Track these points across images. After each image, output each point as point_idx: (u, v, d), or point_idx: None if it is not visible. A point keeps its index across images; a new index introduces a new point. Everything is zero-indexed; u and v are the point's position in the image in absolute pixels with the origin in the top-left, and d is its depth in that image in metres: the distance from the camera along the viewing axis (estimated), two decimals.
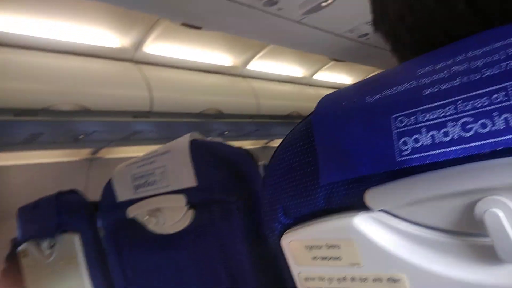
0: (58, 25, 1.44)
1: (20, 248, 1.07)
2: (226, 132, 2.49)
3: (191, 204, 0.62)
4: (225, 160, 0.57)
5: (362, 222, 0.33)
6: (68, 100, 1.61)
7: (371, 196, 0.32)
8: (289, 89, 2.47)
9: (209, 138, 0.64)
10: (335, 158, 0.31)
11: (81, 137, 2.05)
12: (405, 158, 0.27)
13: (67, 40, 1.51)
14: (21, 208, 1.03)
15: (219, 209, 0.58)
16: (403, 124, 0.27)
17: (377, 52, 1.62)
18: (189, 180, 0.60)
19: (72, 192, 0.92)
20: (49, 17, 1.40)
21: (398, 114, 0.28)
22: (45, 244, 1.00)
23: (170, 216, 0.65)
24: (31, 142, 1.96)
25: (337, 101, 0.32)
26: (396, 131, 0.27)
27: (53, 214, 0.91)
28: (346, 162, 0.30)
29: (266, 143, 3.14)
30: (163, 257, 0.68)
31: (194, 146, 0.60)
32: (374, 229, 0.32)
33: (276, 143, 2.95)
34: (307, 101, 2.52)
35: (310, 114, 0.36)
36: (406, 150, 0.27)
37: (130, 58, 1.79)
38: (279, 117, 2.39)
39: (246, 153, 0.60)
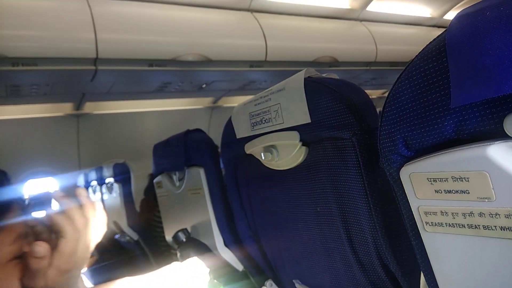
0: None
1: (155, 180, 1.24)
2: None
3: (304, 141, 0.63)
4: (339, 96, 0.55)
5: (499, 152, 0.29)
6: (192, 50, 1.73)
7: None
8: (412, 32, 2.23)
9: (324, 75, 0.62)
10: (473, 76, 0.27)
11: (203, 86, 2.22)
12: None
13: None
14: (156, 145, 1.18)
15: (333, 145, 0.57)
16: None
17: None
18: (303, 117, 0.60)
19: (198, 131, 1.01)
20: None
21: None
22: (175, 176, 1.15)
23: (284, 153, 0.67)
24: (162, 91, 2.20)
25: (479, 12, 0.28)
26: None
27: (182, 150, 1.02)
28: (487, 78, 0.26)
29: (383, 93, 2.96)
30: (277, 191, 0.72)
31: (309, 82, 0.59)
32: None
33: None
34: None
35: (442, 33, 0.32)
36: None
37: (247, 7, 1.82)
38: (400, 64, 2.20)
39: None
